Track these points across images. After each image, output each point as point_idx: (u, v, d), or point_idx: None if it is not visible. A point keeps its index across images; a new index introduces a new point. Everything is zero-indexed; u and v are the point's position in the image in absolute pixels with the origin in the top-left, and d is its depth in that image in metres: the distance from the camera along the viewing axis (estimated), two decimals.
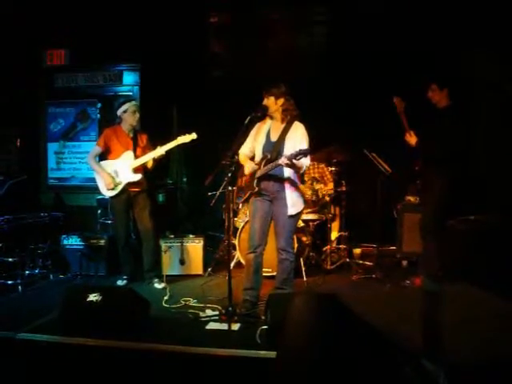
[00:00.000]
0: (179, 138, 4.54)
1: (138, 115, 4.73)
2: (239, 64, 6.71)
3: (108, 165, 4.73)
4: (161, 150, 4.56)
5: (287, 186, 3.85)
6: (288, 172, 3.83)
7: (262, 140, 3.96)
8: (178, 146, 4.59)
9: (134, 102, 4.78)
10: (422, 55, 5.55)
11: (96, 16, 6.00)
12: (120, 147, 4.69)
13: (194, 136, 4.53)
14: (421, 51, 5.57)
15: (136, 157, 4.65)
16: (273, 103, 3.88)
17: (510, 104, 4.98)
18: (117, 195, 4.71)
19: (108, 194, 4.73)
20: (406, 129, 4.46)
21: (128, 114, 4.69)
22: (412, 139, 4.42)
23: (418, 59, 5.58)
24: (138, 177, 4.65)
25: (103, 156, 4.87)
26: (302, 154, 3.47)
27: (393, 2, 5.58)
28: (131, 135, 4.76)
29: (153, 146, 4.72)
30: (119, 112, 4.72)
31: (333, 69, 6.36)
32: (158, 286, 4.73)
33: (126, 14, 5.99)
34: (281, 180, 3.84)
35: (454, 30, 5.32)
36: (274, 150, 3.83)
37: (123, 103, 4.74)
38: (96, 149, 4.79)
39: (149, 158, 4.61)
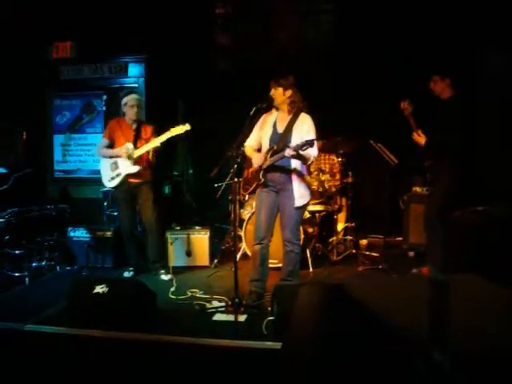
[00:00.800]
0: (172, 129, 4.50)
1: (136, 109, 4.68)
2: (245, 55, 6.68)
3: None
4: (155, 142, 4.53)
5: (294, 177, 3.82)
6: (295, 163, 3.80)
7: (268, 131, 3.93)
8: (183, 138, 4.56)
9: (133, 96, 4.72)
10: (428, 44, 5.50)
11: (101, 8, 5.99)
12: (123, 139, 4.69)
13: (187, 127, 4.48)
14: (427, 40, 5.52)
15: (136, 149, 4.64)
16: (280, 94, 3.85)
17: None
18: (117, 186, 4.72)
19: (109, 184, 4.76)
20: (413, 129, 4.43)
21: (127, 107, 4.68)
22: (421, 139, 4.39)
23: (424, 48, 5.53)
24: (136, 168, 4.62)
25: (108, 147, 4.86)
26: (307, 144, 3.45)
27: None
28: (134, 127, 4.74)
29: (157, 137, 4.70)
30: (121, 104, 4.73)
31: (339, 58, 6.31)
32: (165, 277, 4.74)
33: (132, 5, 5.98)
34: (287, 171, 3.82)
35: (460, 20, 5.27)
36: (280, 141, 3.81)
37: (125, 95, 4.75)
38: (103, 141, 4.80)
39: (145, 149, 4.57)
